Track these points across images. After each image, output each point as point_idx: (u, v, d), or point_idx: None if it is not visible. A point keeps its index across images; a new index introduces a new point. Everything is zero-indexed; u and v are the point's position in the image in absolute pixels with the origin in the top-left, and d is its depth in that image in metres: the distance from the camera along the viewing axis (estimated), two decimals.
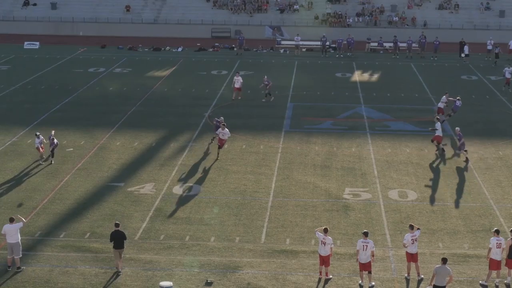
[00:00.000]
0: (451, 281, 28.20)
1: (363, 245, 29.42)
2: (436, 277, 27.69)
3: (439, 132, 46.19)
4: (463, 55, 79.05)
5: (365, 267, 29.46)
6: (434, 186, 40.91)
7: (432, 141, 46.68)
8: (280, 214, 36.68)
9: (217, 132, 45.54)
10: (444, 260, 27.94)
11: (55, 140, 44.15)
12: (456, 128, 46.30)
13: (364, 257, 29.36)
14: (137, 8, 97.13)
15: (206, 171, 42.79)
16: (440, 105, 53.54)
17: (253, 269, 30.83)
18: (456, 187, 40.80)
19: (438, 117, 48.29)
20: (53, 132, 44.71)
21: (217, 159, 44.48)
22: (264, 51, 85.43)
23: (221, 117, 47.33)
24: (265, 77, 60.73)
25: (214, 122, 47.45)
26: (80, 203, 37.77)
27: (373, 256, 29.56)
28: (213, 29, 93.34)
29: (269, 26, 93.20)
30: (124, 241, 30.41)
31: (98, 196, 38.86)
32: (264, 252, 32.51)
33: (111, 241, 30.36)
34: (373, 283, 29.49)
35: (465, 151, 45.02)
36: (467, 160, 44.73)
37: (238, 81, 59.23)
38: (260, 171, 42.57)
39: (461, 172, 43.16)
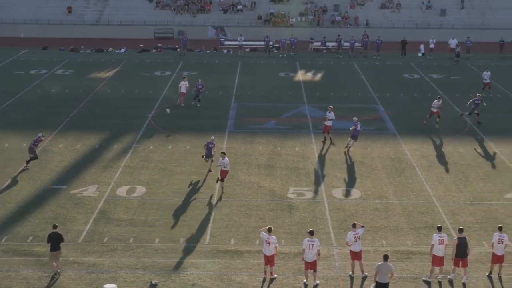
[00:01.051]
0: (393, 277, 28.49)
1: (309, 244, 29.52)
2: (378, 274, 27.93)
3: (328, 122, 48.24)
4: (419, 54, 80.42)
5: (311, 266, 29.57)
6: (377, 184, 41.24)
7: (324, 131, 48.74)
8: (224, 215, 36.64)
9: (218, 164, 40.09)
10: (386, 257, 28.20)
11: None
12: (354, 118, 47.25)
13: (310, 256, 29.46)
14: (79, 9, 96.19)
15: (150, 173, 42.55)
16: (433, 109, 53.04)
17: (198, 270, 30.77)
18: (399, 184, 41.20)
19: (331, 106, 49.20)
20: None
21: (223, 192, 39.51)
22: (208, 51, 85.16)
23: (213, 137, 43.57)
24: (199, 80, 59.44)
25: (207, 145, 42.71)
26: (22, 207, 37.28)
27: (319, 254, 29.70)
28: (156, 30, 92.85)
29: (212, 26, 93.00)
30: (61, 243, 30.10)
31: (40, 199, 38.40)
32: (209, 252, 32.46)
33: (48, 242, 30.07)
34: (318, 282, 29.62)
35: (350, 142, 46.75)
36: (347, 150, 46.67)
37: (184, 86, 58.17)
38: (204, 172, 42.40)
39: (403, 169, 43.57)
